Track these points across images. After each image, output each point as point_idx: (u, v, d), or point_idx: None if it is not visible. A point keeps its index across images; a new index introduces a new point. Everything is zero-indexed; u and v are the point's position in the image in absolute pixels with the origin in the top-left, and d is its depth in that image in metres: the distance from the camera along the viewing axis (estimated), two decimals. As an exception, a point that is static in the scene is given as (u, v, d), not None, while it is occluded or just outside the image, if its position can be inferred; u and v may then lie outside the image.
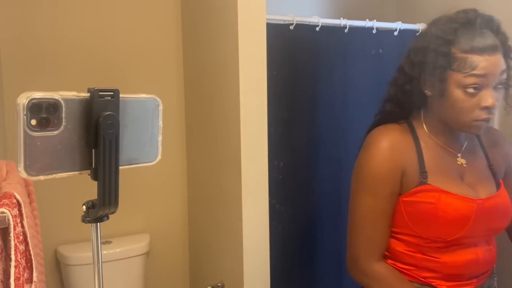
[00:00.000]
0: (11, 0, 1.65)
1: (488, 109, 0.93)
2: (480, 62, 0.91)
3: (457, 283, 1.01)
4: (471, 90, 0.92)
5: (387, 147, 0.98)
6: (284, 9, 1.99)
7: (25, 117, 0.56)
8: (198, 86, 1.78)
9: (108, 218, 0.68)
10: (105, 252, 1.70)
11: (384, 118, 1.08)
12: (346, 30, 1.53)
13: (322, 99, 1.57)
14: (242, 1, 1.33)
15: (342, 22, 1.52)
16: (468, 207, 0.95)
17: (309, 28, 1.49)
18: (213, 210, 1.69)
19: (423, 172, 0.97)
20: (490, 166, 1.07)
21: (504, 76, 0.95)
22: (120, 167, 0.66)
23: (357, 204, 1.01)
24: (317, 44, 1.53)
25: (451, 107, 0.96)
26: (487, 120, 0.94)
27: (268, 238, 1.44)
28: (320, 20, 1.48)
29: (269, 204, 1.44)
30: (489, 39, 0.93)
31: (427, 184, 0.97)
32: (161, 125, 0.73)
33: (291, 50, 1.49)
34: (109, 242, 1.77)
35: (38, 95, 0.57)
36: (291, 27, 1.46)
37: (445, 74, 0.94)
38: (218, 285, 1.58)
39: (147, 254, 1.83)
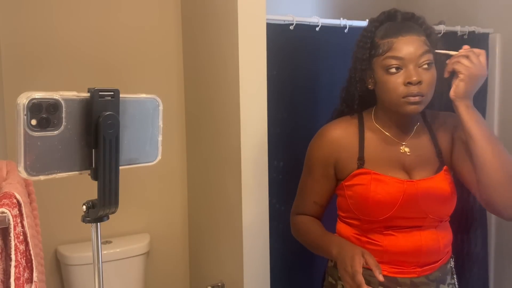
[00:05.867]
0: (12, 1, 1.65)
1: (412, 85, 0.98)
2: (394, 43, 1.00)
3: (398, 269, 1.07)
4: (393, 70, 1.00)
5: (323, 137, 1.13)
6: (284, 9, 1.99)
7: (25, 117, 0.56)
8: (198, 86, 1.79)
9: (108, 218, 0.69)
10: (105, 252, 1.70)
11: (339, 115, 1.19)
12: (346, 30, 1.53)
13: (322, 99, 1.57)
14: (242, 1, 1.33)
15: (342, 22, 1.52)
16: (397, 187, 1.04)
17: (309, 28, 1.49)
18: (213, 210, 1.69)
19: (360, 159, 1.08)
20: (437, 153, 1.10)
21: (426, 58, 1.00)
22: (120, 167, 0.67)
23: (301, 178, 1.21)
24: (317, 44, 1.53)
25: (382, 91, 1.04)
26: (415, 96, 0.99)
27: (268, 238, 1.44)
28: (320, 20, 1.48)
29: (269, 204, 1.44)
30: (405, 26, 1.02)
31: (363, 168, 1.07)
32: (161, 125, 0.73)
33: (291, 50, 1.49)
34: (109, 242, 1.77)
35: (38, 95, 0.57)
36: (291, 27, 1.46)
37: (371, 63, 1.05)
38: (218, 285, 1.58)
39: (147, 254, 1.83)
